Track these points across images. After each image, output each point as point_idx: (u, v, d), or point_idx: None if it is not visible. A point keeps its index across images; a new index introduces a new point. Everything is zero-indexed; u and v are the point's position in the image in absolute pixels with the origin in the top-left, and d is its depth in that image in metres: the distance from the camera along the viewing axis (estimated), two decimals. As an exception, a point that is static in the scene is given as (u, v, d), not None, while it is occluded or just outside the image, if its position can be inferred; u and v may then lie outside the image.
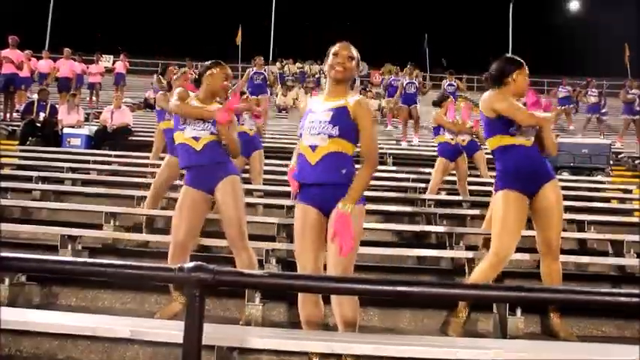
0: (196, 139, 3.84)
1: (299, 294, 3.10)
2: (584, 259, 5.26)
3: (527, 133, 3.81)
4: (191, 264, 1.74)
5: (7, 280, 3.86)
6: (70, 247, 4.59)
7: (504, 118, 3.76)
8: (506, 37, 24.39)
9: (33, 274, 4.12)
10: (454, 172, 7.45)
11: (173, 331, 2.52)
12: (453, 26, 28.76)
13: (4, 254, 1.75)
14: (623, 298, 1.73)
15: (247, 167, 7.37)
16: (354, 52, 3.07)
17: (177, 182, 6.15)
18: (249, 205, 6.58)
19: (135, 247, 5.52)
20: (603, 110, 14.84)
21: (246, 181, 7.18)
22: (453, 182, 7.69)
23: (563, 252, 5.77)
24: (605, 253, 5.70)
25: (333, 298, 3.04)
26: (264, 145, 10.79)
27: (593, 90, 15.07)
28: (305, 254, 3.03)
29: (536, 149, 3.85)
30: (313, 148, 2.97)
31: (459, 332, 3.98)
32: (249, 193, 7.06)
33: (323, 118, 2.98)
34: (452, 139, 7.25)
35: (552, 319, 4.01)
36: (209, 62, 4.00)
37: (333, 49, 3.06)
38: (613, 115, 16.16)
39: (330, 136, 2.94)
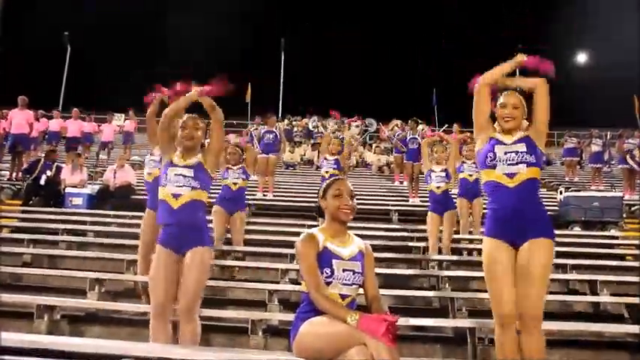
0: (176, 196, 3.77)
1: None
2: (597, 326, 4.91)
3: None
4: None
5: None
6: (46, 317, 4.36)
7: None
8: (514, 92, 24.47)
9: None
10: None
11: None
12: (461, 81, 29.05)
13: None
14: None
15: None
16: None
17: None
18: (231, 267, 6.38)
19: (117, 315, 5.25)
20: (610, 160, 14.65)
21: (228, 241, 6.94)
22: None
23: (577, 317, 5.49)
24: (620, 317, 5.35)
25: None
26: (270, 202, 10.71)
27: (597, 140, 14.93)
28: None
29: None
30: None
31: None
32: (228, 254, 6.83)
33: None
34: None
35: None
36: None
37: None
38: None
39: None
